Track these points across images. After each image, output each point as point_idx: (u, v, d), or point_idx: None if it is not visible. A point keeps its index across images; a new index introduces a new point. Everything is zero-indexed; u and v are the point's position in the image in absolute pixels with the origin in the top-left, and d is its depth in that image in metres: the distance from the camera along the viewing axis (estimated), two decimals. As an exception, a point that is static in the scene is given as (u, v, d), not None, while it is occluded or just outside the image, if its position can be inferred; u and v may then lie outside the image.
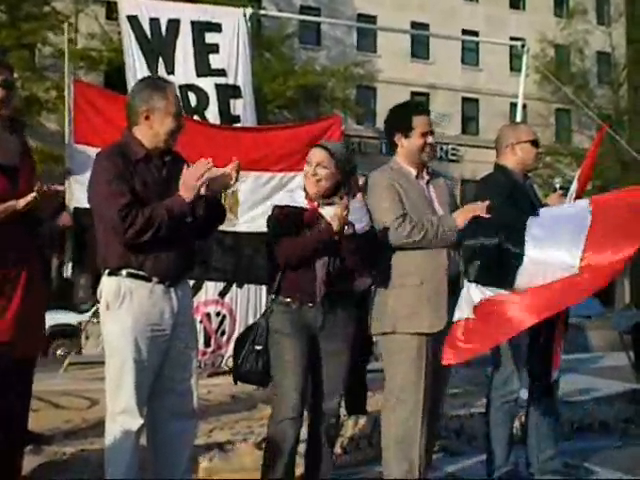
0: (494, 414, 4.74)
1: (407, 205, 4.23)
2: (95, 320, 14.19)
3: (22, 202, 3.44)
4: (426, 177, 4.39)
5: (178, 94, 3.98)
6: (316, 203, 4.18)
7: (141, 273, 3.67)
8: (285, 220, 4.13)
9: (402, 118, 4.37)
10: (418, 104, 4.68)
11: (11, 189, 3.43)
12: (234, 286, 7.13)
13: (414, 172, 4.35)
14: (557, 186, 4.95)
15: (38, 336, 3.60)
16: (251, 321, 4.26)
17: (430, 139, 4.33)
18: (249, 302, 7.14)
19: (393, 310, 4.24)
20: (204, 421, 5.20)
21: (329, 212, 4.09)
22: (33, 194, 3.46)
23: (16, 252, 3.45)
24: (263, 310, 4.36)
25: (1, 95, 3.54)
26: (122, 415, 3.64)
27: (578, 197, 4.59)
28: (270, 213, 4.27)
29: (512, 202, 4.56)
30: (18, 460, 3.70)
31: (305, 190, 4.22)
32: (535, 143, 4.86)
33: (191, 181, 3.65)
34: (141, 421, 3.67)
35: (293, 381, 4.03)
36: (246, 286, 7.09)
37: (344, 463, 5.26)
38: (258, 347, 4.08)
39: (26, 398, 3.68)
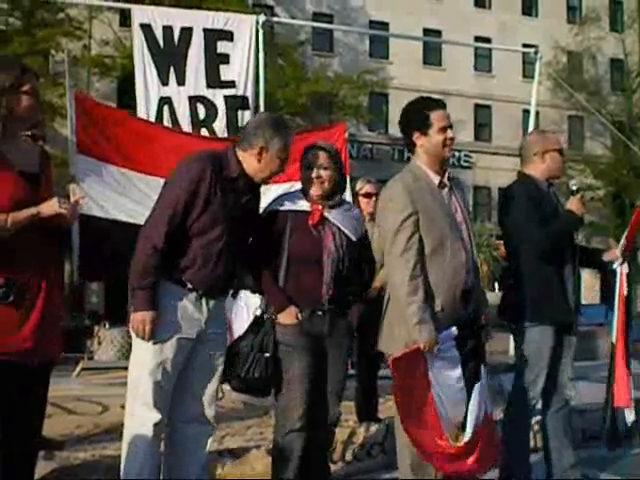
0: (514, 420, 4.73)
1: (427, 231, 4.00)
2: (107, 325, 14.25)
3: (46, 210, 3.46)
4: (448, 184, 4.19)
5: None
6: (320, 206, 4.18)
7: (175, 277, 3.77)
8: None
9: (418, 114, 4.16)
10: (432, 98, 4.35)
11: (32, 196, 3.45)
12: (229, 295, 7.04)
13: (437, 180, 4.14)
14: (574, 188, 4.75)
15: (55, 343, 3.63)
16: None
17: (450, 133, 4.12)
18: (243, 310, 7.07)
19: (400, 334, 4.01)
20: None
21: (335, 217, 4.18)
22: (59, 203, 3.48)
23: (38, 261, 3.47)
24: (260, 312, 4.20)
25: (29, 103, 3.56)
26: (140, 408, 3.72)
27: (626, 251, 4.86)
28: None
29: (539, 211, 4.58)
30: (32, 465, 3.73)
31: (305, 193, 4.21)
32: (561, 152, 4.85)
33: None
34: (159, 416, 3.72)
35: (300, 393, 4.02)
36: (241, 294, 6.99)
37: (355, 470, 5.25)
38: (267, 354, 4.00)
39: (42, 404, 3.70)
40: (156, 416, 3.72)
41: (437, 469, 4.01)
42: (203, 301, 3.83)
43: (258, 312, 4.23)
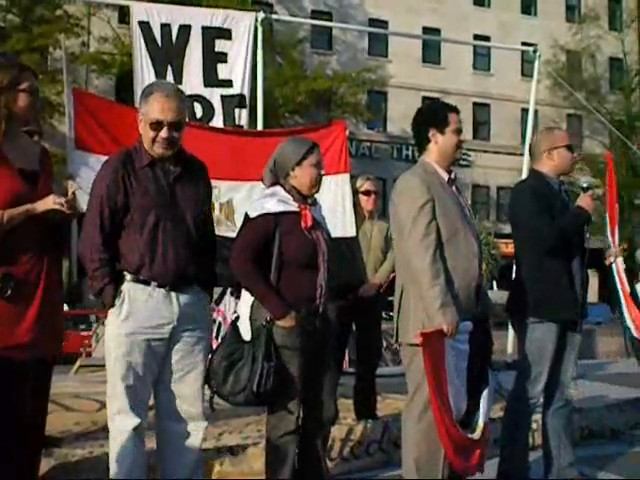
0: (514, 417, 4.74)
1: (442, 220, 4.06)
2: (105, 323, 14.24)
3: (40, 206, 3.46)
4: (455, 183, 4.28)
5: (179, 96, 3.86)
6: (307, 206, 4.13)
7: (140, 277, 3.69)
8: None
9: (438, 113, 4.29)
10: (449, 104, 4.50)
11: (31, 193, 3.46)
12: (228, 294, 7.02)
13: (446, 177, 4.23)
14: (584, 185, 4.80)
15: (56, 337, 3.63)
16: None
17: (462, 137, 4.29)
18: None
19: (417, 317, 4.05)
20: (213, 425, 5.19)
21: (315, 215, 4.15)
22: (53, 199, 3.48)
23: (36, 256, 3.48)
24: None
25: (28, 101, 3.55)
26: (118, 415, 3.71)
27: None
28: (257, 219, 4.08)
29: (547, 207, 4.59)
30: (36, 462, 3.74)
31: (293, 194, 4.12)
32: (570, 148, 4.86)
33: None
34: (137, 420, 3.69)
35: (296, 395, 3.99)
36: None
37: (353, 468, 5.25)
38: (272, 363, 3.87)
39: (44, 399, 3.71)
40: (134, 421, 3.68)
41: (449, 459, 3.99)
42: (173, 297, 3.73)
43: (233, 317, 4.19)
